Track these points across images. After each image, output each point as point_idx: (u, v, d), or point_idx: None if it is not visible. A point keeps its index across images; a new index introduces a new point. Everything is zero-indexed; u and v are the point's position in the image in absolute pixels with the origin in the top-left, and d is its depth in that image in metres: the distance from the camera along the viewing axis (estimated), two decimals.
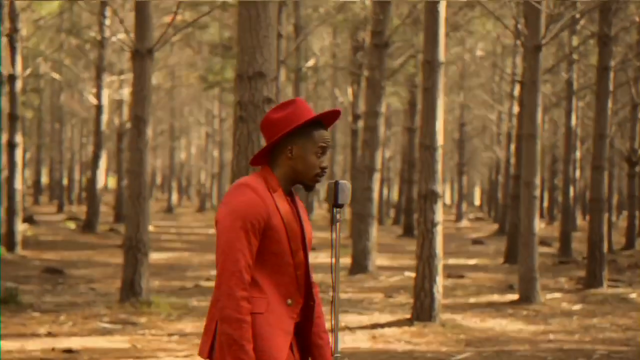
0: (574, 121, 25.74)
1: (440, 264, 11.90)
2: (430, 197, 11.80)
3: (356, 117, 30.08)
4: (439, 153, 11.90)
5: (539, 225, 14.91)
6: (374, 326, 11.95)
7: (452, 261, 21.63)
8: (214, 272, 18.65)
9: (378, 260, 19.16)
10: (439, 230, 11.86)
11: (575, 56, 25.10)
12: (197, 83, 37.32)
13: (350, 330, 11.54)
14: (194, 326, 11.54)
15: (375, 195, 18.34)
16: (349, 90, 31.16)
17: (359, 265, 18.06)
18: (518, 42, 32.15)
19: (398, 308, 13.80)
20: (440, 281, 11.91)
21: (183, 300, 13.79)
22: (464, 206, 45.46)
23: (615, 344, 11.18)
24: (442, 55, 11.96)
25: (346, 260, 18.69)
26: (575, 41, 24.72)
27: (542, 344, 11.11)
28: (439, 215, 11.87)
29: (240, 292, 3.57)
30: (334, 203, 3.94)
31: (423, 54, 12.13)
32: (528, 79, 14.69)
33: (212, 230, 33.63)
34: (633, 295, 16.17)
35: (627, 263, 22.77)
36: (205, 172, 53.28)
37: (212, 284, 16.33)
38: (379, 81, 18.27)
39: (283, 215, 3.73)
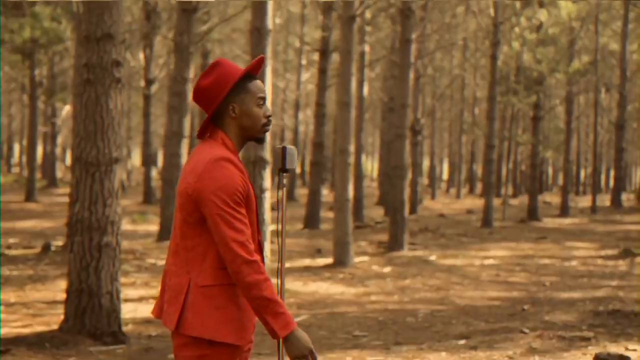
0: (366, 91, 26.60)
1: (268, 230, 12.07)
2: (260, 163, 11.93)
3: (149, 82, 29.59)
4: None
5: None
6: None
7: None
8: (12, 240, 17.89)
9: None
10: (268, 196, 12.01)
11: (367, 29, 25.93)
12: None
13: None
14: (17, 296, 11.10)
15: (184, 161, 18.21)
16: (141, 55, 30.58)
17: (167, 231, 17.92)
18: (307, 12, 32.78)
19: None
20: (268, 247, 12.08)
21: None
22: None
23: (433, 303, 11.83)
24: (270, 23, 12.06)
25: (153, 227, 18.49)
26: (368, 14, 25.53)
27: (368, 305, 11.57)
28: (268, 181, 12.02)
29: (253, 257, 3.56)
30: (281, 168, 3.98)
31: (251, 21, 12.16)
32: (343, 49, 15.07)
33: None
34: (433, 258, 17.09)
35: (417, 227, 23.98)
36: None
37: (16, 252, 15.68)
38: (187, 46, 18.10)
39: (250, 183, 3.74)
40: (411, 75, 18.16)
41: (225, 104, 3.78)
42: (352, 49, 15.02)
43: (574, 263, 16.98)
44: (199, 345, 3.65)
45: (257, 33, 11.99)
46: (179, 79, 18.20)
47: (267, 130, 3.88)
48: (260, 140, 3.87)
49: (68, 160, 79.83)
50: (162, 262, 14.85)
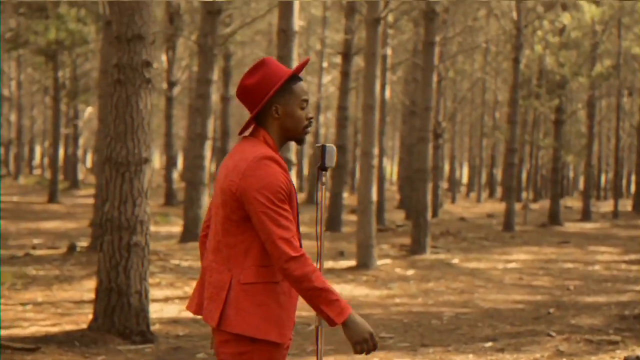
0: (387, 94, 26.61)
1: None
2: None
3: (171, 85, 29.71)
4: None
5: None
6: None
7: None
8: (37, 241, 18.00)
9: None
10: None
11: (390, 31, 25.94)
12: None
13: None
14: (44, 295, 11.17)
15: (207, 163, 18.28)
16: (164, 57, 30.70)
17: (190, 233, 17.98)
18: (329, 14, 32.83)
19: None
20: None
21: (20, 269, 13.28)
22: None
23: (457, 306, 11.82)
24: (296, 25, 12.10)
25: (179, 229, 18.56)
26: (390, 18, 25.54)
27: (392, 308, 11.57)
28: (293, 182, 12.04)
29: (299, 252, 3.58)
30: (321, 166, 4.00)
31: (278, 23, 12.20)
32: (368, 51, 15.08)
33: (16, 198, 32.31)
34: (455, 261, 17.07)
35: (438, 231, 23.94)
36: None
37: (42, 252, 15.79)
38: (211, 48, 18.17)
39: (292, 181, 3.77)
40: (434, 78, 18.14)
41: (269, 104, 3.80)
42: (376, 52, 15.02)
43: (597, 267, 16.92)
44: (241, 342, 3.68)
45: (284, 34, 12.02)
46: (203, 81, 18.27)
47: (307, 132, 3.90)
48: (300, 141, 3.90)
49: (89, 162, 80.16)
50: (186, 264, 14.90)
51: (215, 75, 18.56)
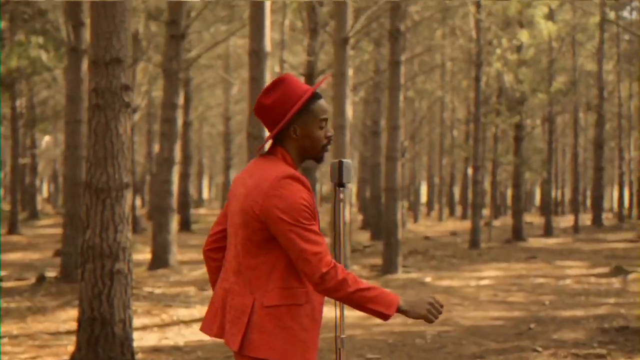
0: (350, 114, 26.60)
1: None
2: None
3: (132, 110, 29.45)
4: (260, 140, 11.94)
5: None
6: None
7: None
8: (4, 272, 17.64)
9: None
10: None
11: (351, 52, 25.98)
12: None
13: (186, 324, 11.37)
14: (19, 327, 10.90)
15: (175, 188, 18.07)
16: None
17: (160, 260, 17.73)
18: (287, 37, 32.80)
19: None
20: None
21: None
22: None
23: (437, 325, 11.75)
24: (267, 45, 12.01)
25: (146, 256, 18.30)
26: (352, 39, 25.61)
27: (374, 328, 11.47)
28: None
29: (332, 264, 3.49)
30: (338, 182, 3.90)
31: (249, 44, 12.11)
32: (337, 72, 15.04)
33: None
34: (428, 279, 17.03)
35: (406, 250, 23.93)
36: None
37: (10, 284, 15.45)
38: (176, 72, 18.03)
39: (314, 200, 3.68)
40: (401, 97, 18.16)
41: (287, 124, 3.70)
42: (345, 71, 14.99)
43: (568, 281, 16.98)
44: None
45: (255, 55, 11.93)
46: (169, 106, 18.10)
47: (326, 150, 3.81)
48: (319, 160, 3.80)
49: (45, 191, 79.10)
50: (159, 291, 14.67)
51: (181, 99, 18.39)
